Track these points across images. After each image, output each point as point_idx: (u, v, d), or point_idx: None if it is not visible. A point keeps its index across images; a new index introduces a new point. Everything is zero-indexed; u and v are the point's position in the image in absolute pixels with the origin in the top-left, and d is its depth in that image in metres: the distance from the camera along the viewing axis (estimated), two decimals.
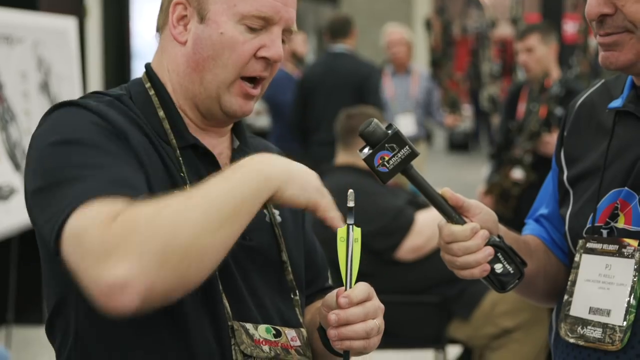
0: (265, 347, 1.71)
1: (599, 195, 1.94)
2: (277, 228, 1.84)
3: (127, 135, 1.66)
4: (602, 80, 2.11)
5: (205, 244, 1.47)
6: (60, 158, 1.58)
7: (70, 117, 1.66)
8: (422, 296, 4.39)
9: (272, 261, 1.82)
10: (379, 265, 4.34)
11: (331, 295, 1.68)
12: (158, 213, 1.45)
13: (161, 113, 1.77)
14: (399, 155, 1.72)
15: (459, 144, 16.16)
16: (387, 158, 1.72)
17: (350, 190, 1.66)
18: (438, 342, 4.55)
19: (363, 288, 1.65)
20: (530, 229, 2.15)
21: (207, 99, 1.76)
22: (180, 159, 1.74)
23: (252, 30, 1.74)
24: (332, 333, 1.64)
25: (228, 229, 1.50)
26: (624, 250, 1.89)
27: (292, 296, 1.84)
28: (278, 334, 1.75)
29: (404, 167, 1.74)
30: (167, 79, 1.80)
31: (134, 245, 1.41)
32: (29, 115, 5.70)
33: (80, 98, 1.74)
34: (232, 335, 1.69)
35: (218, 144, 1.83)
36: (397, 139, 1.72)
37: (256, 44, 1.74)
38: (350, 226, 1.64)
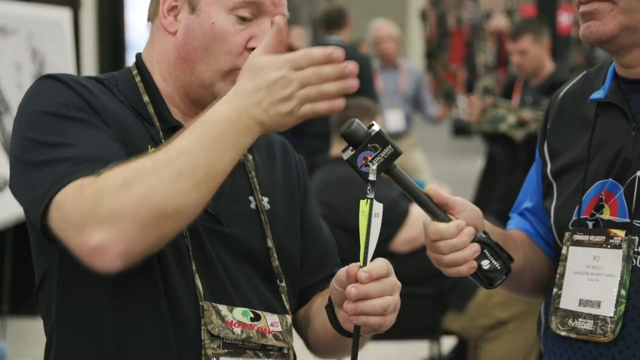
0: (237, 329, 1.71)
1: (584, 187, 1.94)
2: (263, 215, 1.84)
3: (108, 112, 1.70)
4: (584, 72, 2.10)
5: (180, 205, 1.52)
6: (46, 131, 1.64)
7: (58, 87, 1.71)
8: (417, 288, 4.40)
9: (256, 248, 1.81)
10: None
11: (342, 271, 1.67)
12: (131, 176, 1.52)
13: (146, 98, 1.79)
14: (382, 154, 1.70)
15: (462, 130, 16.24)
16: (370, 158, 1.70)
17: (374, 167, 1.65)
18: (433, 333, 4.55)
19: (382, 264, 1.64)
20: (515, 223, 2.15)
21: (199, 87, 1.77)
22: (163, 140, 1.75)
23: (242, 20, 1.75)
24: (349, 307, 1.63)
25: (204, 187, 1.54)
26: (611, 241, 1.89)
27: (278, 282, 1.83)
28: (257, 318, 1.75)
29: (388, 166, 1.73)
30: (156, 69, 1.81)
31: (107, 211, 1.50)
32: None
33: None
34: (202, 314, 1.70)
35: None
36: (380, 139, 1.71)
37: (246, 35, 1.75)
38: (372, 200, 1.63)
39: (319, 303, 1.86)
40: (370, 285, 1.62)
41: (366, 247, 1.62)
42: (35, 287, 1.77)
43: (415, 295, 4.40)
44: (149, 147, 1.72)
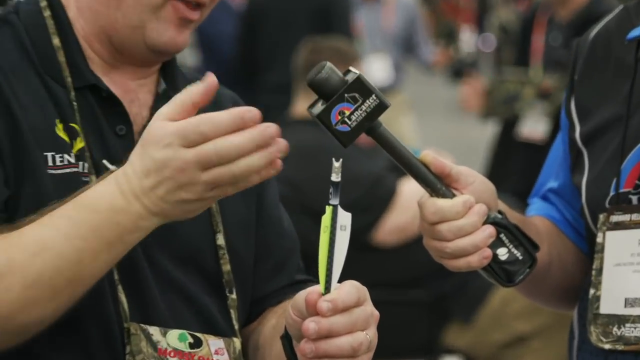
0: None
1: (623, 152, 1.96)
2: (214, 203, 1.85)
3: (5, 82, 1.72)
4: (622, 6, 2.12)
5: (30, 319, 1.58)
6: None
7: None
8: (409, 292, 4.43)
9: (202, 247, 1.83)
10: (352, 250, 4.33)
11: (301, 297, 1.65)
12: None
13: (56, 41, 1.79)
14: (364, 107, 1.71)
15: (463, 72, 16.35)
16: (347, 112, 1.71)
17: (337, 163, 1.61)
18: (430, 351, 4.60)
19: (351, 290, 1.62)
20: (537, 208, 2.17)
21: (126, 28, 1.77)
22: (75, 103, 1.76)
23: None
24: (306, 348, 1.61)
25: (64, 296, 1.60)
26: None
27: (228, 294, 1.85)
28: (197, 344, 1.76)
29: (371, 123, 1.74)
30: (72, 1, 1.81)
31: None
32: None
33: None
34: (127, 341, 1.71)
35: (137, 88, 1.84)
36: (360, 87, 1.71)
37: None
38: (336, 208, 1.61)
39: (272, 326, 1.87)
40: (335, 318, 1.60)
41: (329, 270, 1.61)
42: None
43: (407, 302, 4.43)
44: (56, 126, 1.73)
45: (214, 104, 1.91)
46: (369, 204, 4.34)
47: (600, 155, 2.02)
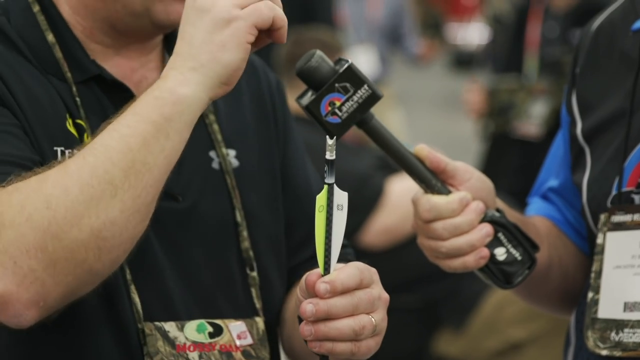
0: (193, 354, 1.76)
1: (626, 149, 1.97)
2: (229, 177, 1.88)
3: (10, 89, 1.73)
4: None
5: (102, 222, 1.56)
6: None
7: None
8: (399, 297, 4.43)
9: (221, 225, 1.86)
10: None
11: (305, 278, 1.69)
12: (32, 193, 1.55)
13: (50, 37, 1.81)
14: (355, 98, 1.73)
15: (466, 61, 16.28)
16: (338, 103, 1.73)
17: (331, 141, 1.64)
18: (420, 359, 4.59)
19: (352, 272, 1.65)
20: (537, 208, 2.19)
21: (129, 16, 1.80)
22: (78, 99, 1.78)
23: None
24: (305, 330, 1.64)
25: (132, 189, 1.59)
26: None
27: (249, 272, 1.87)
28: (217, 332, 1.79)
29: (363, 115, 1.75)
30: None
31: (3, 246, 1.53)
32: None
33: None
34: (143, 342, 1.74)
35: (140, 67, 1.87)
36: (352, 76, 1.73)
37: None
38: (331, 187, 1.63)
39: (295, 302, 1.88)
40: (335, 300, 1.63)
41: (327, 251, 1.63)
42: None
43: (395, 308, 4.42)
44: (66, 120, 1.76)
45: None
46: (356, 205, 4.32)
47: (602, 153, 2.03)
